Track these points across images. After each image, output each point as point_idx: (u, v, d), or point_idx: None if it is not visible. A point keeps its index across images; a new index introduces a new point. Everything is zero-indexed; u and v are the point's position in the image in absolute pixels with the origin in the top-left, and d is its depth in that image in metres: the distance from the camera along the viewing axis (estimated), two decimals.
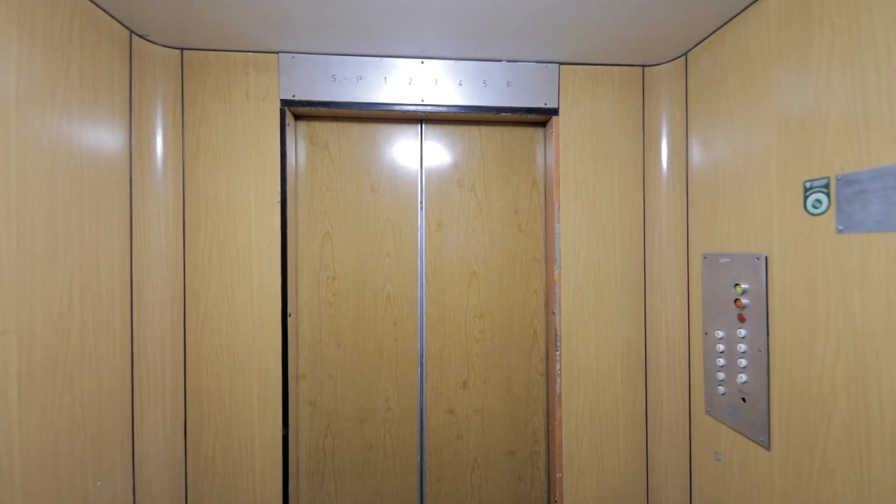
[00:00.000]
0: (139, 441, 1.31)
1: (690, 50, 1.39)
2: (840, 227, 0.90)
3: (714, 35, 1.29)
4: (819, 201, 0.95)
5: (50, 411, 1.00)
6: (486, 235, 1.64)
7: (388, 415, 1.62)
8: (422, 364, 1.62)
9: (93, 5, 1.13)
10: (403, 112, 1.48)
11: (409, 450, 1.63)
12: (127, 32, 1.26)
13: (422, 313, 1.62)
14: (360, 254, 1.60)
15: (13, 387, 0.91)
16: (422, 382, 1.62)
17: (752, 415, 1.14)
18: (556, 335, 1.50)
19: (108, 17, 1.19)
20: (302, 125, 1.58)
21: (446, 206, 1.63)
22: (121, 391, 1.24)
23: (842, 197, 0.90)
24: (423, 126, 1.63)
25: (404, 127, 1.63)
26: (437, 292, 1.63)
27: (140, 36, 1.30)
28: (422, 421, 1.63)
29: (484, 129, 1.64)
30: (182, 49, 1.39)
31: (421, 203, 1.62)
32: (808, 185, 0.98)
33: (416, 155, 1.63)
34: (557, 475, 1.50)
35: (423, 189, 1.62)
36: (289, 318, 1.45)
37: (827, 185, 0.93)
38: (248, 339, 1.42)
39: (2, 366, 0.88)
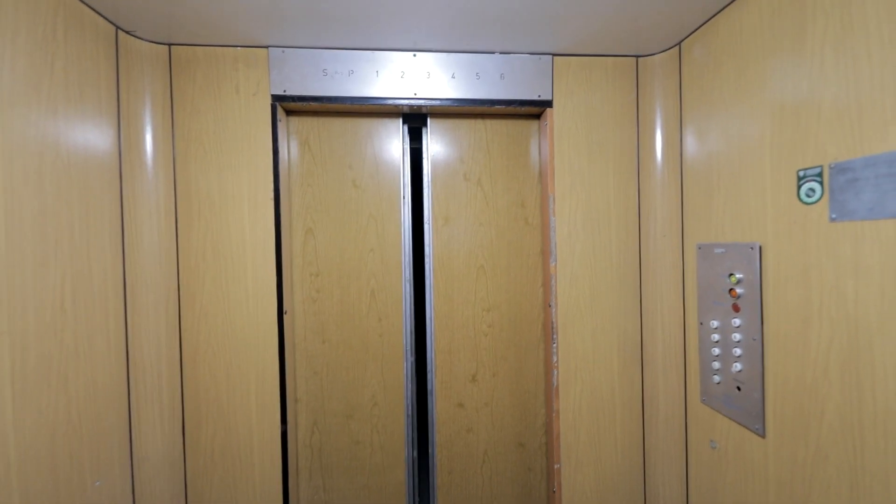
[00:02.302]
0: (137, 440, 1.30)
1: (684, 40, 1.39)
2: (833, 216, 0.91)
3: (707, 24, 1.28)
4: (812, 190, 0.95)
5: (45, 412, 0.99)
6: (492, 229, 1.64)
7: (375, 410, 1.62)
8: (430, 358, 1.63)
9: (77, 1, 1.11)
10: (396, 106, 1.47)
11: (397, 445, 1.63)
12: (113, 28, 1.24)
13: (430, 308, 1.62)
14: (343, 250, 1.60)
15: (7, 388, 0.90)
16: (430, 375, 1.63)
17: (747, 403, 1.15)
18: (552, 328, 1.51)
19: (93, 13, 1.17)
20: (294, 120, 1.57)
21: (452, 201, 1.63)
22: (117, 391, 1.23)
23: (835, 185, 0.90)
24: (428, 120, 1.61)
25: (389, 121, 1.61)
26: (444, 286, 1.63)
27: (126, 32, 1.28)
28: (431, 415, 1.64)
29: (489, 122, 1.63)
30: (170, 44, 1.36)
31: (428, 196, 1.62)
32: (801, 174, 0.98)
33: (402, 149, 1.61)
34: (556, 466, 1.52)
35: (430, 183, 1.61)
36: (285, 315, 1.44)
37: (820, 174, 0.93)
38: (244, 337, 1.41)
39: None
